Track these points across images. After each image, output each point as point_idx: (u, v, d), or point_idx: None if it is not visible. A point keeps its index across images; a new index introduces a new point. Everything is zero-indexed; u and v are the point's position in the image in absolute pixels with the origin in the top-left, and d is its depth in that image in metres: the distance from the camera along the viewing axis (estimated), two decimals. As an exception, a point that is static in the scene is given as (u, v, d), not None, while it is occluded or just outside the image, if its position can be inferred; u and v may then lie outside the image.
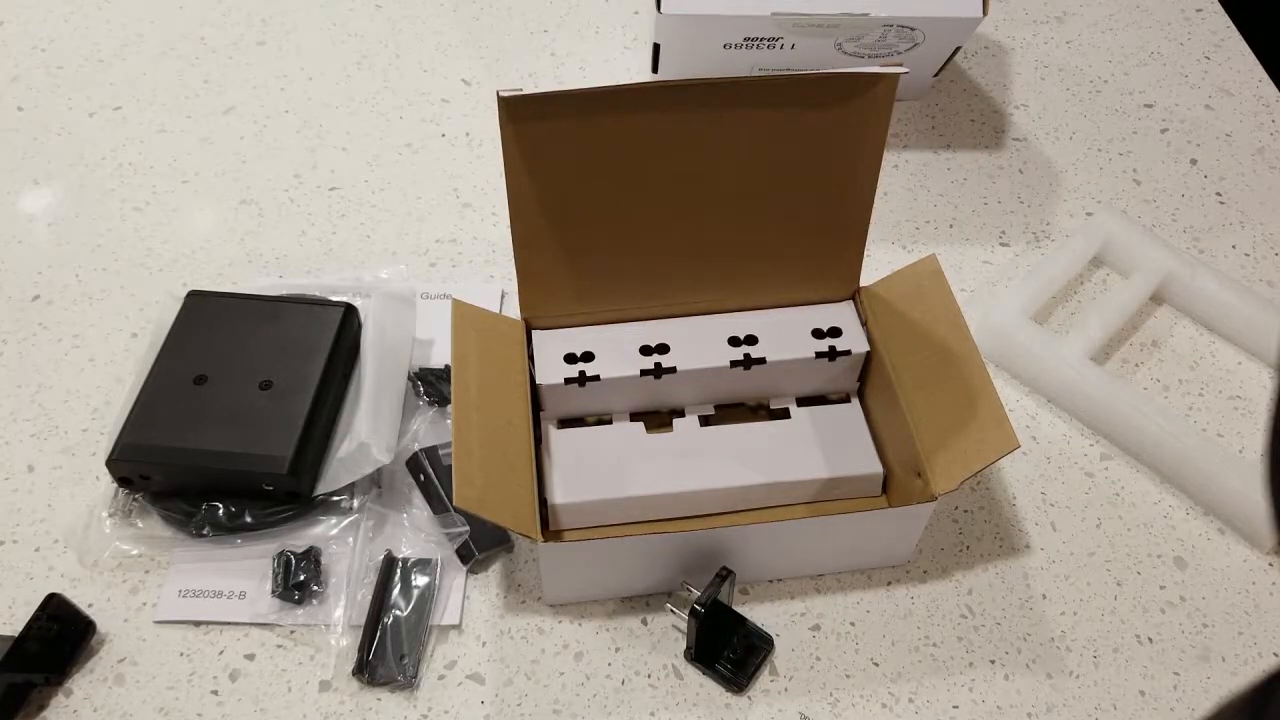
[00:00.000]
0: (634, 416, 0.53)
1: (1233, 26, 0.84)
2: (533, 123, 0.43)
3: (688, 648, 0.49)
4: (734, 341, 0.52)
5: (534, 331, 0.52)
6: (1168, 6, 0.85)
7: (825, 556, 0.52)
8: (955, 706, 0.50)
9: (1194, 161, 0.74)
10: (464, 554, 0.52)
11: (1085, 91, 0.79)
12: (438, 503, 0.53)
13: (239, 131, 0.73)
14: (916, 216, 0.70)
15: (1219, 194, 0.73)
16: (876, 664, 0.51)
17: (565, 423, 0.53)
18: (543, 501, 0.48)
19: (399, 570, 0.52)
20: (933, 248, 0.68)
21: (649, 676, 0.50)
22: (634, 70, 0.77)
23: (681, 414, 0.53)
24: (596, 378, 0.50)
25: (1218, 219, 0.71)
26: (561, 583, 0.50)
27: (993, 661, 0.51)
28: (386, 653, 0.49)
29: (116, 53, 0.78)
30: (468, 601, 0.52)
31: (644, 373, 0.50)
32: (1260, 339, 0.62)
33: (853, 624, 0.52)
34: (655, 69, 0.72)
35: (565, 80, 0.77)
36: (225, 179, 0.71)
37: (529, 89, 0.64)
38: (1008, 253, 0.69)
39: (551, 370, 0.50)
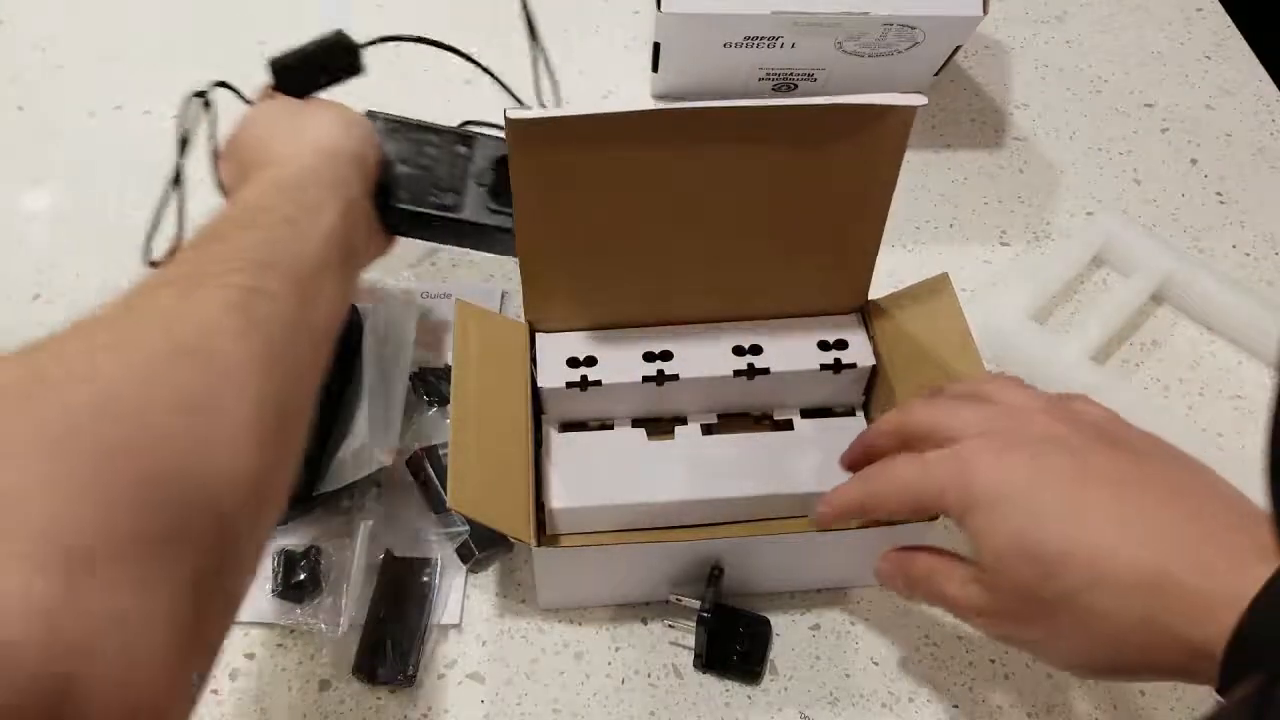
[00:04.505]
0: (636, 422, 0.52)
1: (1233, 26, 0.84)
2: (541, 144, 0.43)
3: (697, 655, 0.49)
4: (738, 351, 0.51)
5: (537, 334, 0.52)
6: (1168, 6, 0.85)
7: (825, 571, 0.52)
8: (955, 706, 0.50)
9: (1194, 161, 0.74)
10: (464, 553, 0.52)
11: (1085, 91, 0.79)
12: (438, 502, 0.53)
13: (239, 131, 0.73)
14: (916, 216, 0.70)
15: (1219, 194, 0.73)
16: (876, 663, 0.51)
17: (567, 426, 0.52)
18: (541, 506, 0.48)
19: (399, 570, 0.52)
20: (933, 247, 0.68)
21: (649, 676, 0.50)
22: (634, 70, 0.77)
23: (684, 421, 0.52)
24: (599, 383, 0.50)
25: (1218, 218, 0.71)
26: (556, 588, 0.50)
27: (993, 661, 0.51)
28: (386, 652, 0.49)
29: (116, 53, 0.78)
30: (468, 601, 0.52)
31: (646, 379, 0.50)
32: (1260, 339, 0.62)
33: (853, 623, 0.52)
34: (655, 68, 0.72)
35: (565, 79, 0.77)
36: (225, 178, 0.71)
37: (529, 88, 0.64)
38: (1008, 252, 0.69)
39: (553, 374, 0.50)
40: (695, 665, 0.49)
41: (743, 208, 0.47)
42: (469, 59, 0.61)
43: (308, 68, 0.54)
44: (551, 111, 0.42)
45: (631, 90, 0.76)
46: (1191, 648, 0.32)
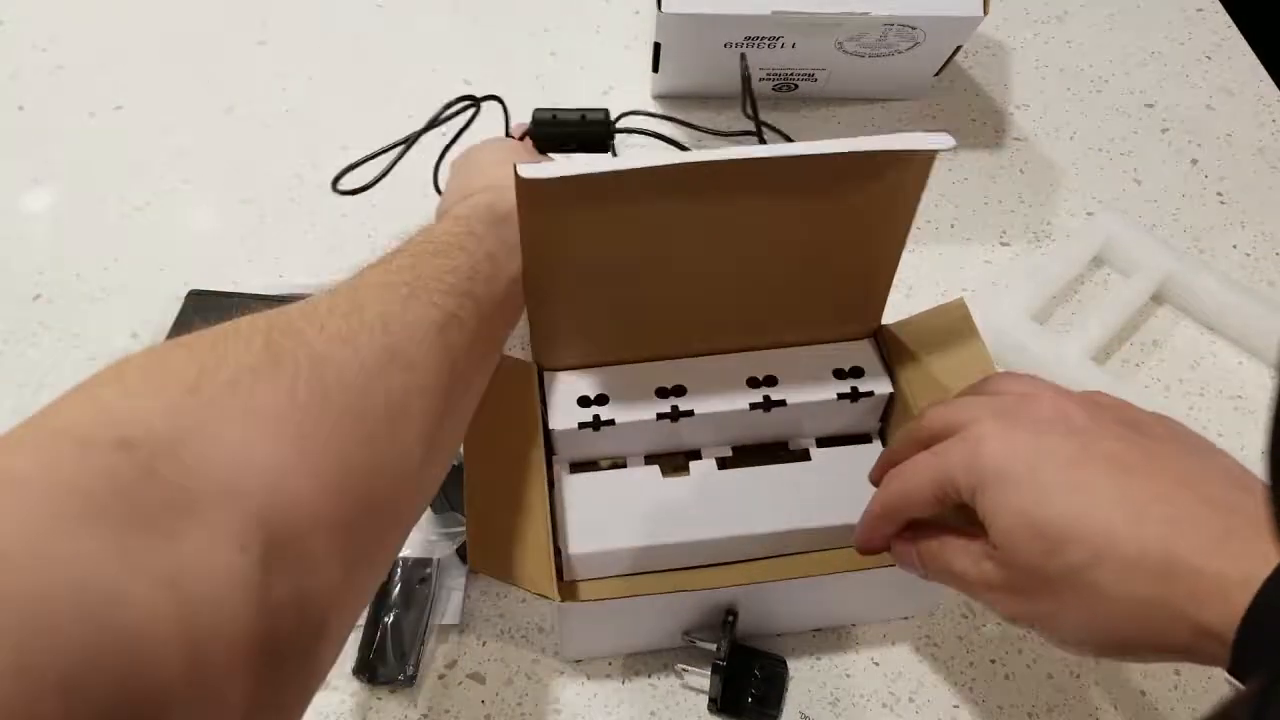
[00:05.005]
0: (649, 459, 0.51)
1: (1233, 26, 0.84)
2: (551, 201, 0.42)
3: (711, 700, 0.48)
4: (753, 383, 0.50)
5: (546, 374, 0.50)
6: (1168, 6, 0.85)
7: (857, 608, 0.51)
8: (955, 706, 0.50)
9: (1195, 161, 0.74)
10: (464, 553, 0.52)
11: (1086, 91, 0.79)
12: (437, 502, 0.53)
13: (239, 131, 0.73)
14: (918, 216, 0.70)
15: (1220, 194, 0.73)
16: (877, 664, 0.51)
17: (577, 465, 0.51)
18: (557, 550, 0.46)
19: (399, 570, 0.52)
20: (933, 247, 0.68)
21: (649, 676, 0.50)
22: (634, 70, 0.77)
23: (698, 456, 0.51)
24: (612, 422, 0.48)
25: (1218, 219, 0.71)
26: (579, 640, 0.49)
27: (993, 661, 0.51)
28: (387, 652, 0.49)
29: (116, 53, 0.78)
30: (468, 601, 0.52)
31: (660, 416, 0.49)
32: (1261, 339, 0.62)
33: (853, 624, 0.52)
34: (656, 68, 0.72)
35: (565, 80, 0.77)
36: (226, 178, 0.71)
37: (530, 90, 0.64)
38: (1008, 252, 0.69)
39: (565, 415, 0.49)
40: (710, 710, 0.49)
41: (757, 251, 0.46)
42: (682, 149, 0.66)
43: (566, 129, 0.57)
44: (562, 170, 0.41)
45: (631, 89, 0.76)
46: (1199, 629, 0.32)
